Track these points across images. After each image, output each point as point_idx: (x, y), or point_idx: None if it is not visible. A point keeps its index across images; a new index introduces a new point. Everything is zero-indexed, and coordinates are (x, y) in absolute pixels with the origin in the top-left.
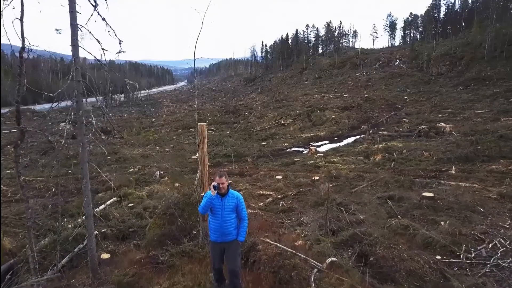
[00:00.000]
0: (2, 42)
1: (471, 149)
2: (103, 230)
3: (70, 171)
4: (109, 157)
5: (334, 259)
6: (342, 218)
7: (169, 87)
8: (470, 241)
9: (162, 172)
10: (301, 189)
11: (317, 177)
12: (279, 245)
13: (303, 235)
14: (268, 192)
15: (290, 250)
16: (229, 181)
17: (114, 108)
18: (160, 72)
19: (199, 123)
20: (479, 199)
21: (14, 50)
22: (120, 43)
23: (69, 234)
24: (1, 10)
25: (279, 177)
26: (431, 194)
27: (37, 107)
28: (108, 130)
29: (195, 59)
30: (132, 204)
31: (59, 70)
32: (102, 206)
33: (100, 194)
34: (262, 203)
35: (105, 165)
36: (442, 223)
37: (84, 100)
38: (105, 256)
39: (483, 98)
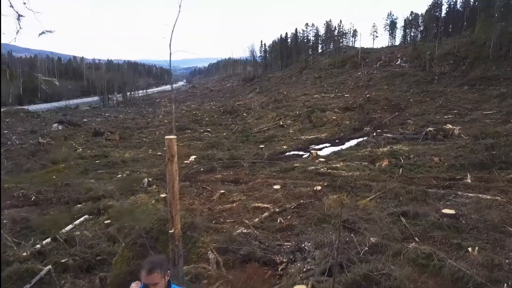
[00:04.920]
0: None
1: (486, 155)
2: (63, 260)
3: (54, 177)
4: (97, 161)
5: None
6: (351, 243)
7: (167, 87)
8: (508, 275)
9: (150, 179)
10: (301, 201)
11: (319, 187)
12: None
13: (305, 269)
14: (265, 205)
15: None
16: (165, 276)
17: (111, 108)
18: (158, 72)
19: (166, 136)
20: (507, 216)
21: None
22: (18, 18)
23: (21, 267)
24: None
25: (277, 186)
26: (452, 211)
27: (31, 108)
28: (101, 131)
29: (171, 53)
30: (109, 221)
31: (56, 70)
32: (69, 227)
33: (80, 205)
34: (257, 219)
35: (93, 170)
36: (470, 249)
37: None
38: None
39: (490, 99)
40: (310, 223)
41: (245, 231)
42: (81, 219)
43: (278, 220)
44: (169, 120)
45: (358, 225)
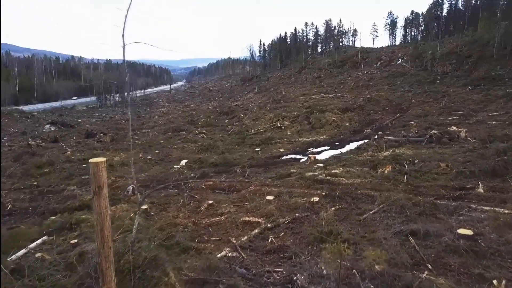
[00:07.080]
0: None
1: (498, 160)
2: None
3: (35, 182)
4: (84, 165)
5: None
6: (352, 276)
7: (166, 87)
8: None
9: (134, 187)
10: (297, 214)
11: (316, 198)
12: None
13: None
14: (256, 219)
15: None
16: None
17: (108, 108)
18: (157, 72)
19: (91, 160)
20: None
21: (10, 50)
22: None
23: None
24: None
25: (271, 197)
26: (470, 232)
27: (26, 108)
28: (93, 133)
29: (124, 45)
30: (76, 240)
31: (54, 70)
32: (22, 252)
33: (53, 217)
34: (246, 237)
35: (78, 175)
36: (495, 282)
37: None
38: None
39: (495, 99)
40: (306, 243)
41: (230, 254)
42: (39, 241)
43: (269, 239)
44: (164, 121)
45: (361, 246)
